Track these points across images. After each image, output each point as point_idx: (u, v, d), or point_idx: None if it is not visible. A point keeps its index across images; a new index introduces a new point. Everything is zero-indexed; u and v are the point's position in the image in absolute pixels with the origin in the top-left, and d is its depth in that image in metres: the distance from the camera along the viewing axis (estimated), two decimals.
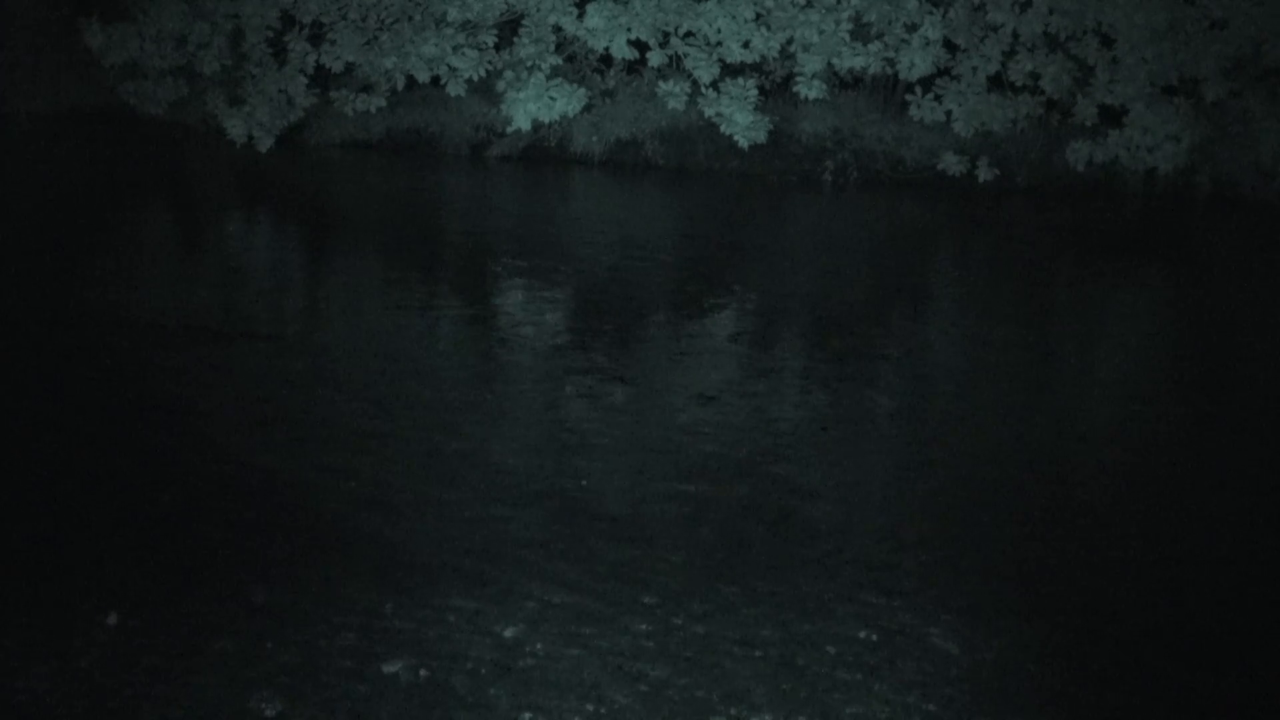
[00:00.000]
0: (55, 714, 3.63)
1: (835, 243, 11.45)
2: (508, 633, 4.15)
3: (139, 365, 6.88)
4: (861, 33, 13.14)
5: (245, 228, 11.42)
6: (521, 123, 13.43)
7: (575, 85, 13.52)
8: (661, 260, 10.28)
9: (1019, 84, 13.09)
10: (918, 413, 6.67)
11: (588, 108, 13.98)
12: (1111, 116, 12.95)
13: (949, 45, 13.06)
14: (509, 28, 13.82)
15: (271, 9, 13.84)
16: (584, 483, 5.43)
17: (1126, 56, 12.59)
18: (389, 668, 3.92)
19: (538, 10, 13.44)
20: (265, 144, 13.90)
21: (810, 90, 13.15)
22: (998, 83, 13.18)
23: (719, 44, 13.12)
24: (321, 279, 9.60)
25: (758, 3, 12.97)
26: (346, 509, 5.07)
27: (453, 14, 13.35)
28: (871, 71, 13.46)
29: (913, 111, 13.25)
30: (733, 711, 3.75)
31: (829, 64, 13.19)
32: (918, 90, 13.18)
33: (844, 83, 14.29)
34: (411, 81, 13.85)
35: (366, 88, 14.08)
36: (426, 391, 6.58)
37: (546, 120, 13.50)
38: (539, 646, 4.07)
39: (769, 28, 13.03)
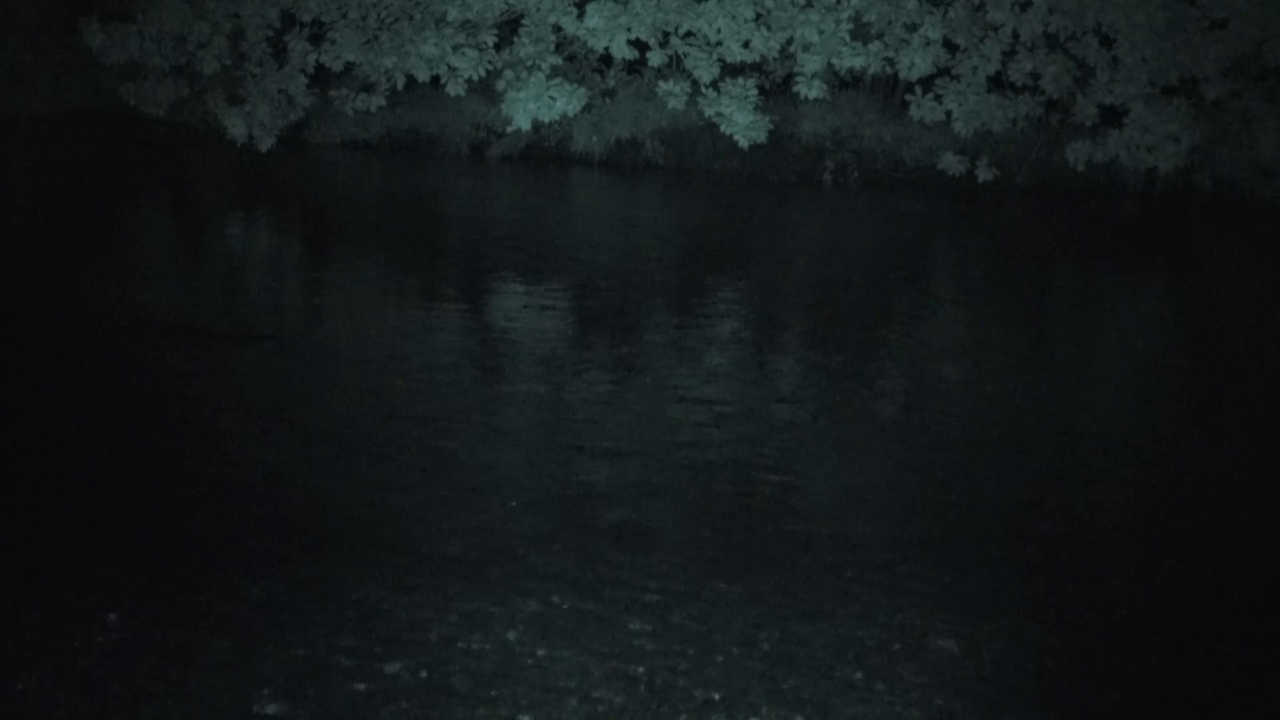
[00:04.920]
0: (55, 714, 3.62)
1: (835, 242, 11.45)
2: (508, 633, 4.15)
3: (139, 365, 6.88)
4: (861, 33, 13.13)
5: (245, 227, 11.42)
6: (521, 122, 13.42)
7: (575, 85, 13.51)
8: (661, 260, 10.28)
9: (1019, 84, 13.09)
10: (919, 412, 6.67)
11: (588, 108, 13.97)
12: (1111, 116, 12.94)
13: (949, 45, 13.05)
14: (509, 27, 13.82)
15: (271, 8, 13.83)
16: (582, 482, 5.44)
17: (1126, 56, 12.59)
18: (389, 668, 3.91)
19: (538, 10, 13.44)
20: (265, 143, 13.89)
21: (810, 90, 13.14)
22: (998, 83, 13.17)
23: (719, 44, 13.12)
24: (322, 279, 9.60)
25: (758, 3, 12.96)
26: (347, 508, 5.07)
27: (453, 14, 13.34)
28: (871, 71, 13.46)
29: (913, 111, 13.24)
30: (733, 711, 3.75)
31: (829, 64, 13.18)
32: (918, 90, 13.17)
33: (844, 83, 14.29)
34: (411, 81, 13.84)
35: (366, 87, 14.07)
36: (426, 391, 6.58)
37: (546, 120, 13.49)
38: (539, 647, 4.07)
39: (769, 28, 13.03)
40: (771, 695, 3.84)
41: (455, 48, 13.38)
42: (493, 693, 3.81)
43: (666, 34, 13.30)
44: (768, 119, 13.14)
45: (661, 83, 13.42)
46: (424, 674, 3.89)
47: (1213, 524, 5.32)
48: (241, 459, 5.56)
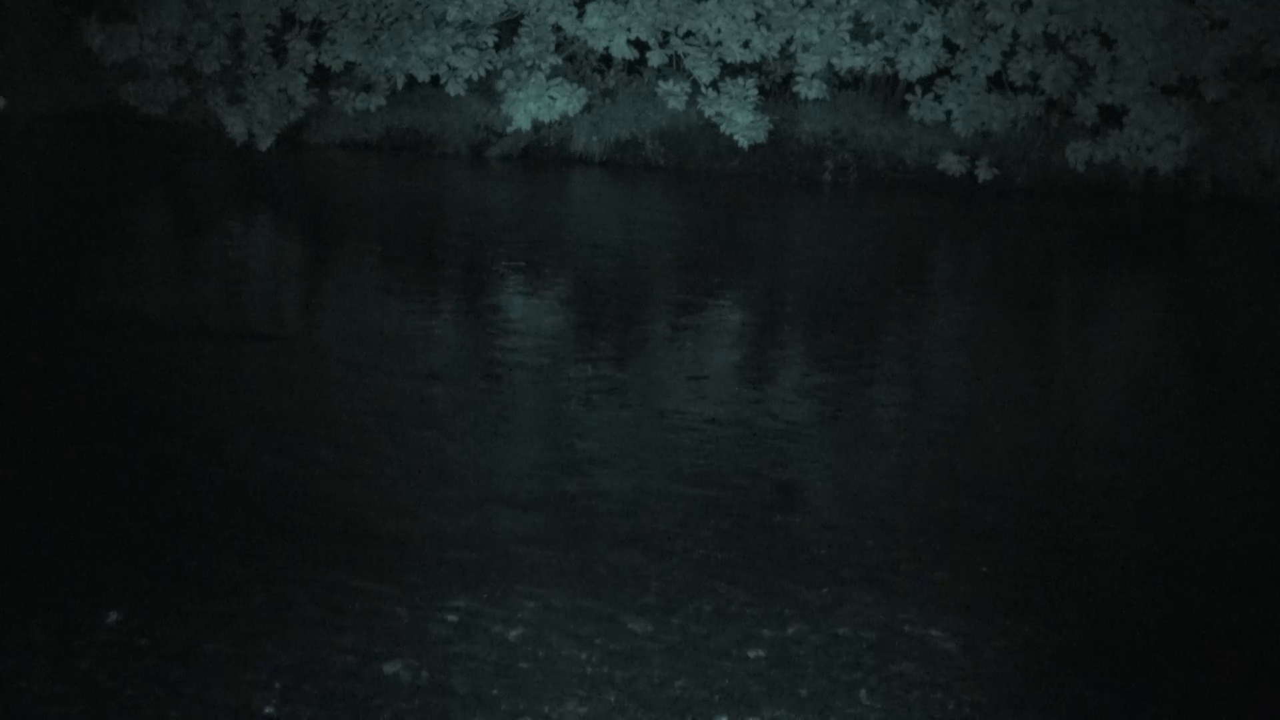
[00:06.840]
0: (55, 714, 3.62)
1: (835, 243, 11.45)
2: (508, 633, 4.15)
3: (139, 365, 6.88)
4: (861, 33, 13.13)
5: (245, 227, 11.42)
6: (521, 122, 13.43)
7: (575, 85, 13.52)
8: (661, 260, 10.28)
9: (1019, 84, 13.09)
10: (918, 413, 6.67)
11: (588, 108, 13.98)
12: (1111, 116, 12.94)
13: (949, 45, 13.06)
14: (509, 27, 13.82)
15: (271, 8, 13.84)
16: (582, 483, 5.44)
17: (1126, 56, 12.59)
18: (389, 668, 3.91)
19: (538, 10, 13.44)
20: (265, 143, 13.90)
21: (810, 90, 13.15)
22: (998, 83, 13.18)
23: (719, 44, 13.12)
24: (322, 279, 9.60)
25: (758, 3, 12.96)
26: (346, 509, 5.07)
27: (453, 13, 13.34)
28: (871, 71, 13.46)
29: (913, 111, 13.25)
30: (733, 711, 3.75)
31: (829, 64, 13.19)
32: (918, 90, 13.17)
33: (844, 83, 14.29)
34: (411, 81, 13.85)
35: (366, 87, 14.08)
36: (426, 391, 6.58)
37: (546, 120, 13.51)
38: (539, 647, 4.07)
39: (769, 28, 13.03)
40: (771, 695, 3.84)
41: (455, 48, 13.38)
42: (493, 693, 3.81)
43: (666, 34, 13.31)
44: (768, 119, 13.15)
45: (661, 83, 13.42)
46: (424, 674, 3.89)
47: (1213, 525, 5.32)
48: (241, 459, 5.56)
